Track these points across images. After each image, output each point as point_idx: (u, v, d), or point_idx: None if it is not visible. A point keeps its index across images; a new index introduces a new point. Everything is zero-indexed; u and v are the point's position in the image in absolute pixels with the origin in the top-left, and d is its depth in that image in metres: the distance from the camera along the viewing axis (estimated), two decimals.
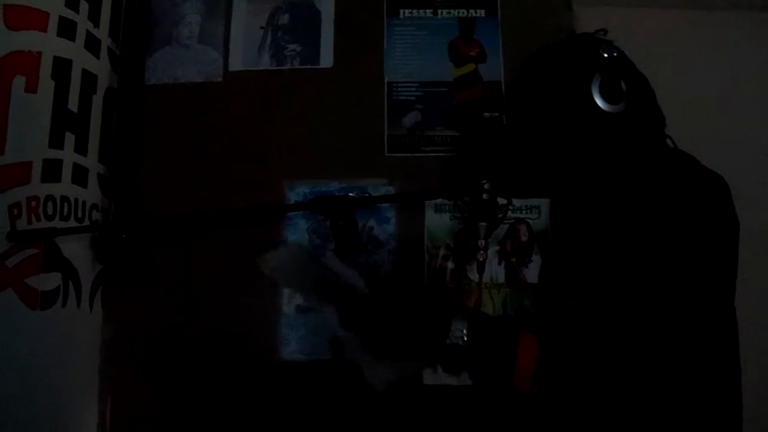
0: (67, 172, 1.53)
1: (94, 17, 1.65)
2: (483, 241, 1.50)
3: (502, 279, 1.69)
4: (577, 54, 1.40)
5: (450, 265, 1.69)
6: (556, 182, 1.60)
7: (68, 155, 1.54)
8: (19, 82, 1.42)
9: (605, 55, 1.37)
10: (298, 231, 1.72)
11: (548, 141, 1.42)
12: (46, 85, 1.49)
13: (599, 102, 1.32)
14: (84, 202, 1.60)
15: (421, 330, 1.09)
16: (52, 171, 1.48)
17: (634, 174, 1.28)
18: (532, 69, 1.48)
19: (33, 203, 1.42)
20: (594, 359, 1.08)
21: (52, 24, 1.50)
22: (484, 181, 1.44)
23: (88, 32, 1.61)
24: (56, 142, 1.50)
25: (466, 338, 1.08)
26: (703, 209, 1.16)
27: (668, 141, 1.41)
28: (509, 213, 1.59)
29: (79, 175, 1.58)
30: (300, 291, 1.19)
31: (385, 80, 1.80)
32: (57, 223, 1.49)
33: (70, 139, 1.54)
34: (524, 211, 1.70)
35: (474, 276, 1.66)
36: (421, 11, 1.84)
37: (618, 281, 1.18)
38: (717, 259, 1.15)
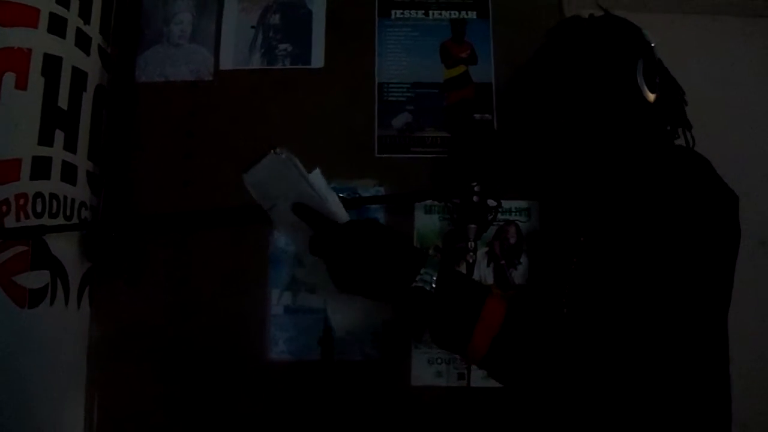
0: (56, 170, 1.53)
1: (85, 14, 1.64)
2: (472, 243, 1.51)
3: (490, 281, 1.69)
4: (622, 33, 1.33)
5: None
6: (548, 180, 1.59)
7: (58, 153, 1.53)
8: (9, 78, 1.41)
9: (647, 40, 1.31)
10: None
11: (564, 120, 1.33)
12: (36, 82, 1.48)
13: (643, 89, 1.27)
14: (73, 200, 1.59)
15: (392, 266, 1.03)
16: (41, 168, 1.48)
17: (639, 174, 1.25)
18: (559, 39, 1.39)
19: (21, 200, 1.42)
20: (583, 361, 1.07)
21: (43, 21, 1.50)
22: (474, 183, 1.45)
23: (78, 29, 1.61)
24: (46, 139, 1.50)
25: (434, 285, 1.02)
26: (709, 225, 1.13)
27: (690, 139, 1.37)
28: (498, 215, 1.60)
29: (69, 173, 1.57)
30: (277, 210, 1.14)
31: (376, 81, 1.80)
32: (46, 221, 1.48)
33: (59, 136, 1.54)
34: (514, 213, 1.71)
35: None
36: (412, 12, 1.84)
37: (611, 282, 1.17)
38: (712, 274, 1.12)
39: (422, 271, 1.02)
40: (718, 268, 1.14)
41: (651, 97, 1.27)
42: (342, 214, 1.11)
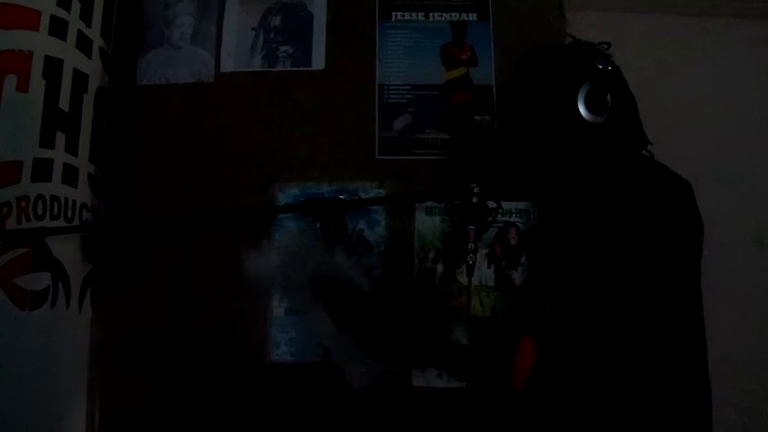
0: (57, 172, 1.53)
1: (86, 17, 1.64)
2: (473, 245, 1.51)
3: (491, 282, 1.69)
4: (571, 60, 1.42)
5: (440, 268, 1.69)
6: (540, 186, 1.61)
7: (59, 155, 1.54)
8: (10, 81, 1.42)
9: (600, 66, 1.39)
10: (288, 233, 1.72)
11: (532, 143, 1.43)
12: (38, 84, 1.48)
13: (582, 110, 1.35)
14: (74, 202, 1.59)
15: (422, 330, 1.11)
16: (42, 170, 1.48)
17: (609, 180, 1.31)
18: (526, 68, 1.49)
19: (23, 203, 1.42)
20: (575, 358, 1.10)
21: (44, 23, 1.50)
22: (474, 185, 1.45)
23: (79, 32, 1.61)
24: (47, 141, 1.50)
25: (467, 338, 1.10)
26: (668, 210, 1.21)
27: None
28: (499, 216, 1.60)
29: (70, 175, 1.57)
30: (288, 294, 1.18)
31: (377, 83, 1.80)
32: (47, 223, 1.48)
33: (60, 138, 1.54)
34: (514, 215, 1.71)
35: (463, 279, 1.65)
36: (413, 14, 1.84)
37: (594, 283, 1.21)
38: (683, 255, 1.21)
39: (453, 328, 1.16)
40: (686, 253, 1.24)
41: (595, 119, 1.36)
42: (363, 283, 1.24)
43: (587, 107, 1.35)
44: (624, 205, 1.24)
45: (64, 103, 1.56)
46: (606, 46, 1.48)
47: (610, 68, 1.40)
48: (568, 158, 1.39)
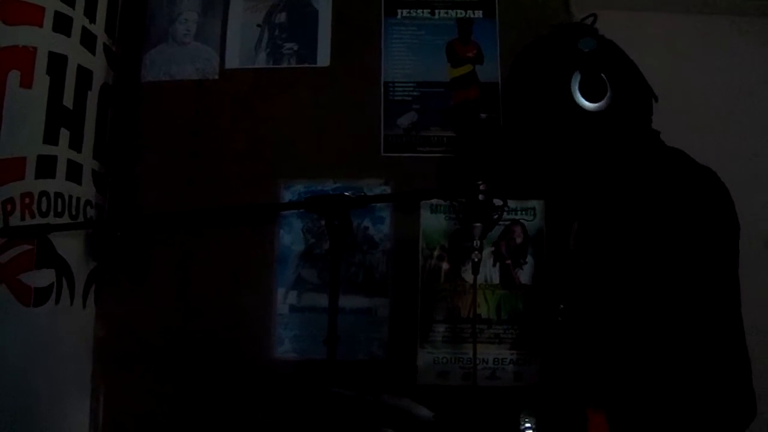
0: (61, 169, 1.53)
1: (90, 13, 1.64)
2: (478, 242, 1.50)
3: (496, 280, 1.69)
4: (555, 51, 1.35)
5: (445, 265, 1.69)
6: (549, 184, 1.60)
7: (63, 151, 1.53)
8: (14, 76, 1.42)
9: (585, 49, 1.31)
10: (293, 230, 1.71)
11: (535, 142, 1.40)
12: (42, 80, 1.48)
13: (580, 101, 1.28)
14: (78, 199, 1.59)
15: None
16: (46, 167, 1.48)
17: (626, 173, 1.27)
18: (518, 66, 1.44)
19: (27, 199, 1.42)
20: (590, 362, 1.08)
21: (48, 19, 1.50)
22: (480, 182, 1.44)
23: (83, 28, 1.61)
24: (51, 138, 1.50)
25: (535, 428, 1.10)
26: (700, 206, 1.15)
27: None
28: (504, 214, 1.60)
29: (74, 172, 1.57)
30: None
31: (382, 80, 1.79)
32: (51, 220, 1.48)
33: (64, 135, 1.54)
34: (519, 213, 1.70)
35: (468, 277, 1.66)
36: (419, 11, 1.84)
37: (615, 283, 1.18)
38: (717, 256, 1.14)
39: (522, 420, 1.13)
40: (720, 253, 1.16)
41: (596, 106, 1.28)
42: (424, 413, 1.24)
43: (585, 96, 1.28)
44: (648, 201, 1.18)
45: (68, 99, 1.56)
46: (592, 18, 1.43)
47: (595, 46, 1.31)
48: (578, 153, 1.33)
